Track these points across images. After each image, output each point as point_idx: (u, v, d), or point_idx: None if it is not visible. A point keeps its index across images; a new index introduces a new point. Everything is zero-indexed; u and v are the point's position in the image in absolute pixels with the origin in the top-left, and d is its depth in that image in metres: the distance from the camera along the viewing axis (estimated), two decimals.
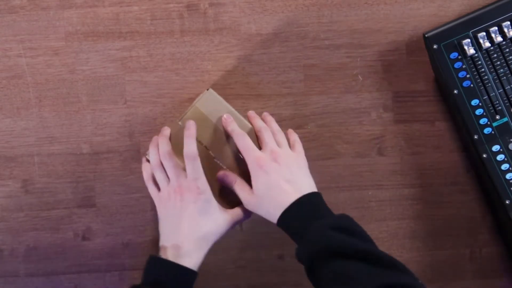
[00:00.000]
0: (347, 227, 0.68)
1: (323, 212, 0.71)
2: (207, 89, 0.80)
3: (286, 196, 0.72)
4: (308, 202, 0.71)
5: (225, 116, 0.77)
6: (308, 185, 0.74)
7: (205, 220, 0.74)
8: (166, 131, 0.79)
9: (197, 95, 0.86)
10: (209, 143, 0.78)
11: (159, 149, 0.77)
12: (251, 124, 0.79)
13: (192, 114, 0.79)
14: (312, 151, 0.88)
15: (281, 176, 0.73)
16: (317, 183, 0.88)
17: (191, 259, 0.73)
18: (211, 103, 0.79)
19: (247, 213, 0.78)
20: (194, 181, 0.74)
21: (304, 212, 0.70)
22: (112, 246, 0.88)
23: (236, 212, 0.77)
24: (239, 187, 0.76)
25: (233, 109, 0.79)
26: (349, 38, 0.88)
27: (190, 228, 0.74)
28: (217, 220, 0.75)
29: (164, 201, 0.76)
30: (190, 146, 0.74)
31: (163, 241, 0.75)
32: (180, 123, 0.78)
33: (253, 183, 0.74)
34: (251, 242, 0.88)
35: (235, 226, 0.77)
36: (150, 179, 0.79)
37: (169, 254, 0.73)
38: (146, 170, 0.80)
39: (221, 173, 0.78)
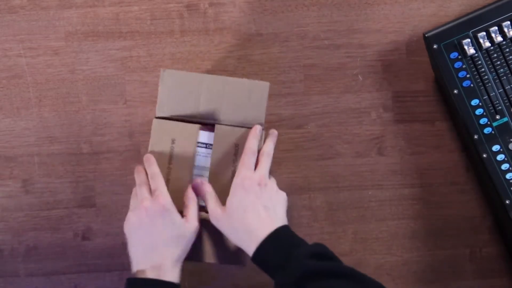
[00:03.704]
0: (322, 253, 0.68)
1: (298, 243, 0.70)
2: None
3: (259, 223, 0.70)
4: (283, 236, 0.70)
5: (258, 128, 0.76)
6: (281, 219, 0.72)
7: (175, 233, 0.72)
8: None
9: None
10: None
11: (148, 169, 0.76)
12: (265, 141, 0.77)
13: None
14: (312, 151, 0.88)
15: (260, 201, 0.71)
16: (317, 183, 0.88)
17: (172, 274, 0.72)
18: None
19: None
20: (160, 197, 0.73)
21: (280, 246, 0.69)
22: (112, 246, 0.88)
23: (194, 217, 0.75)
24: (211, 199, 0.74)
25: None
26: (349, 38, 0.88)
27: (165, 245, 0.72)
28: (185, 234, 0.73)
29: (132, 222, 0.74)
30: (152, 167, 0.75)
31: (138, 266, 0.72)
32: None
33: (228, 199, 0.73)
34: None
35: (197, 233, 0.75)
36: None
37: (148, 275, 0.71)
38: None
39: (198, 180, 0.76)
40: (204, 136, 0.78)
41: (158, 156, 0.76)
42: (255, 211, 0.71)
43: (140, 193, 0.75)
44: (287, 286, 0.66)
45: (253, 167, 0.74)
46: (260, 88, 0.77)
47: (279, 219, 0.72)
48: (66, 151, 0.87)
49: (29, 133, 0.87)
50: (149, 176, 0.75)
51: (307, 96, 0.88)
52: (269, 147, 0.77)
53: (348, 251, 0.89)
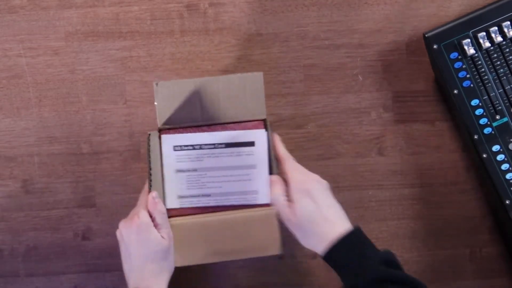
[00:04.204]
0: (392, 261, 0.70)
1: (369, 246, 0.71)
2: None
3: (328, 224, 0.71)
4: (356, 239, 0.71)
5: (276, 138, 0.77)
6: (345, 216, 0.74)
7: (152, 249, 0.73)
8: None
9: None
10: None
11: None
12: (275, 149, 0.77)
13: None
14: (312, 151, 0.88)
15: (324, 201, 0.73)
16: None
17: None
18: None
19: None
20: (137, 215, 0.74)
21: (353, 249, 0.70)
22: (112, 246, 0.88)
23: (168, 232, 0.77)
24: (282, 203, 0.74)
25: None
26: (349, 38, 0.88)
27: (144, 263, 0.73)
28: (162, 243, 0.74)
29: (119, 241, 0.76)
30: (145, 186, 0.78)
31: (129, 285, 0.74)
32: None
33: (297, 205, 0.72)
34: None
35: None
36: None
37: None
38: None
39: (273, 177, 0.76)
40: (210, 137, 0.78)
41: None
42: (322, 213, 0.72)
43: (131, 211, 0.78)
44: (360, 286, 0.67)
45: (303, 169, 0.75)
46: (254, 79, 0.77)
47: (344, 217, 0.73)
48: (66, 151, 0.87)
49: (29, 133, 0.87)
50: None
51: (307, 96, 0.88)
52: (284, 150, 0.78)
53: None
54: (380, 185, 0.88)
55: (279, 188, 0.74)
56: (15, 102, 0.87)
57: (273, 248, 0.76)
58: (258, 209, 0.77)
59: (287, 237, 0.91)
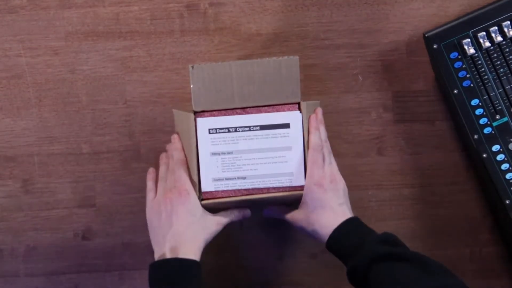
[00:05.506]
0: (391, 240, 0.72)
1: (368, 231, 0.74)
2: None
3: (335, 218, 0.74)
4: (355, 224, 0.74)
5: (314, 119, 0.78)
6: (351, 212, 0.77)
7: (196, 221, 0.74)
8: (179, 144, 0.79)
9: None
10: None
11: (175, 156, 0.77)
12: (309, 131, 0.78)
13: None
14: None
15: (336, 198, 0.75)
16: None
17: (192, 253, 0.73)
18: None
19: (237, 215, 0.79)
20: (182, 185, 0.74)
21: (353, 233, 0.73)
22: (112, 246, 0.88)
23: (223, 214, 0.78)
24: (284, 210, 0.79)
25: None
26: (349, 38, 0.88)
27: (183, 228, 0.73)
28: (206, 221, 0.75)
29: (155, 211, 0.76)
30: (179, 155, 0.76)
31: (159, 250, 0.73)
32: None
33: (306, 197, 0.75)
34: (251, 242, 0.88)
35: (222, 227, 0.77)
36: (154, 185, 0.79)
37: (167, 256, 0.72)
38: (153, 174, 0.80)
39: (264, 211, 0.81)
40: (245, 119, 0.78)
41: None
42: (331, 208, 0.75)
43: (169, 180, 0.76)
44: (359, 268, 0.69)
45: (323, 163, 0.77)
46: (290, 63, 0.77)
47: (350, 212, 0.77)
48: (66, 151, 0.87)
49: (29, 133, 0.87)
50: (173, 162, 0.76)
51: (307, 96, 0.87)
52: (322, 135, 0.78)
53: None
54: (380, 185, 0.88)
55: (274, 208, 0.80)
56: (15, 102, 0.87)
57: None
58: (293, 192, 0.77)
59: (287, 237, 0.91)
